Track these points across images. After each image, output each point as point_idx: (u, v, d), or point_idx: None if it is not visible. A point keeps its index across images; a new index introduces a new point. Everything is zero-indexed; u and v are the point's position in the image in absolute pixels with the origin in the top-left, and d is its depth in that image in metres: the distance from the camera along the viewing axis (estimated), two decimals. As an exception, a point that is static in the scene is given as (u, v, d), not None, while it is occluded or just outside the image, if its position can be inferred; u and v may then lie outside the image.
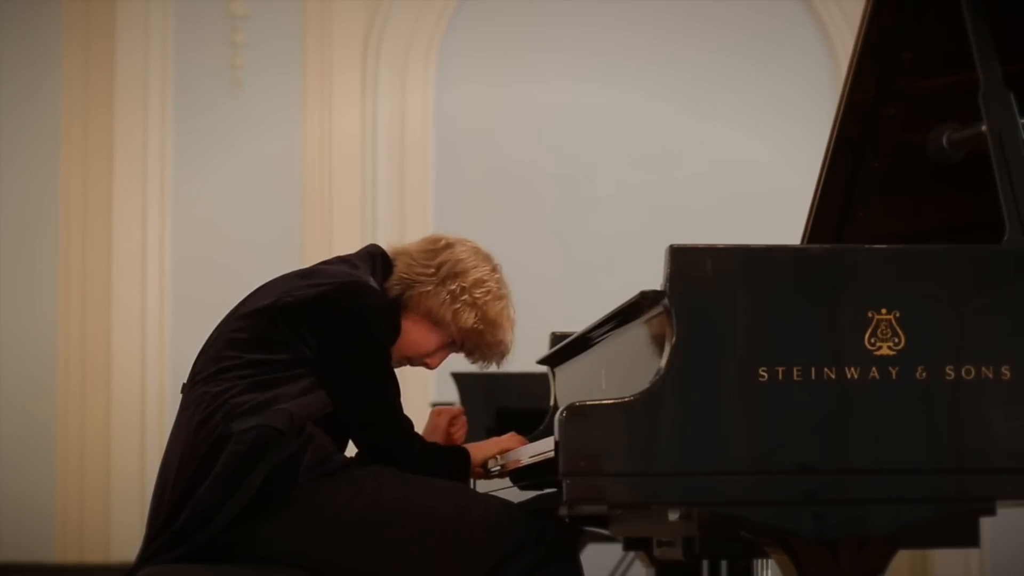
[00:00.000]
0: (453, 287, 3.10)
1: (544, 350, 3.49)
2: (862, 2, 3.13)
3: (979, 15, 2.84)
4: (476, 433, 4.78)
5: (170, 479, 2.94)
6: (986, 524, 2.67)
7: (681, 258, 2.59)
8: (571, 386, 3.36)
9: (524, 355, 4.39)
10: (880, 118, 3.14)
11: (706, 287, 2.58)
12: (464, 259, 3.14)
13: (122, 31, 7.21)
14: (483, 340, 3.15)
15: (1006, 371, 2.60)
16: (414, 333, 3.12)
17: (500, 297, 3.15)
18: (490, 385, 5.37)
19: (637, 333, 2.80)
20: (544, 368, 3.58)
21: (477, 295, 3.11)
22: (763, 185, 7.33)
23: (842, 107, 3.14)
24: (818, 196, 3.20)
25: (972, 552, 6.75)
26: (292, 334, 2.94)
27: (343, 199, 7.25)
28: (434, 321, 3.11)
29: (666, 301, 2.58)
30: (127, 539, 6.88)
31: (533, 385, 4.33)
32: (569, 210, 7.34)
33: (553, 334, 3.48)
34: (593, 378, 3.11)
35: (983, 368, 2.60)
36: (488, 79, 7.40)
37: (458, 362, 6.46)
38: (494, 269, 3.18)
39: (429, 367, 3.21)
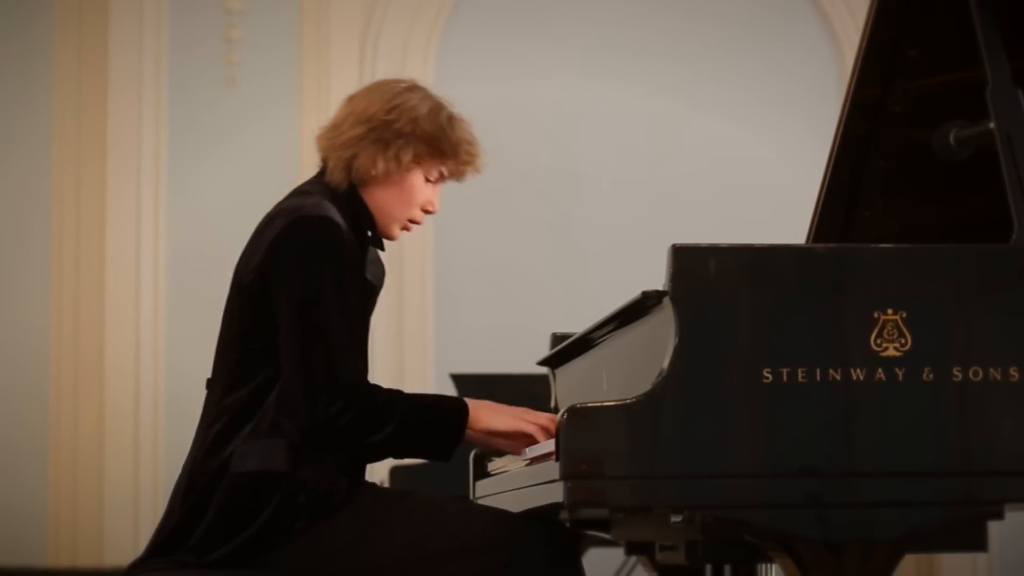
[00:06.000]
0: (374, 137, 2.95)
1: (544, 351, 3.47)
2: (867, -2, 3.11)
3: (986, 10, 2.82)
4: (474, 434, 4.74)
5: (178, 496, 2.90)
6: (994, 528, 2.66)
7: (684, 258, 2.56)
8: (572, 387, 3.34)
9: (524, 356, 4.37)
10: (886, 115, 3.13)
11: (709, 287, 2.56)
12: (361, 110, 2.97)
13: (116, 26, 7.18)
14: (443, 157, 3.00)
15: (1014, 372, 2.58)
16: (387, 198, 2.98)
17: (426, 107, 2.97)
18: (490, 387, 5.33)
19: (639, 334, 2.77)
20: (544, 369, 3.56)
21: (402, 128, 2.95)
22: (767, 183, 7.31)
23: (848, 104, 3.12)
24: (823, 194, 3.18)
25: (980, 556, 6.73)
26: (260, 314, 2.87)
27: (340, 197, 7.21)
28: (389, 178, 2.97)
29: (668, 301, 2.55)
30: (120, 543, 6.84)
31: (533, 386, 4.30)
32: (570, 207, 7.32)
33: (554, 335, 3.45)
34: (594, 379, 3.08)
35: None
36: (487, 75, 7.37)
37: (458, 363, 6.46)
38: (404, 91, 3.00)
39: (431, 213, 3.06)
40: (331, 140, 3.00)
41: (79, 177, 7.17)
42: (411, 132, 2.97)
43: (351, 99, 3.03)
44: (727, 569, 3.30)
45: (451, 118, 3.03)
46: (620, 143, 7.38)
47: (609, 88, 7.40)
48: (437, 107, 3.02)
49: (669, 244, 2.57)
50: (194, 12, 7.26)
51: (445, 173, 3.04)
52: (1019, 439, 2.57)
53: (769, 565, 3.18)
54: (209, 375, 2.99)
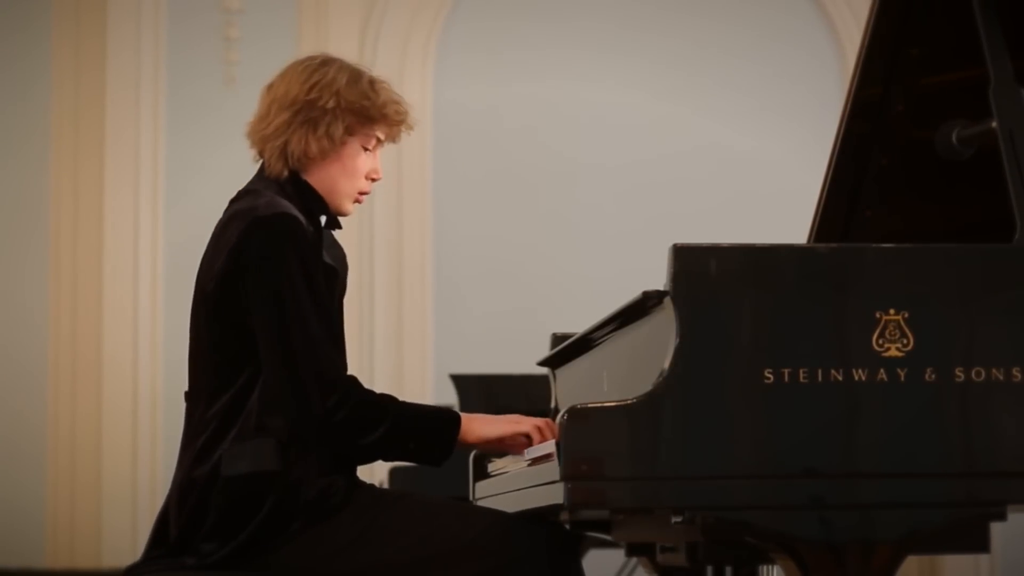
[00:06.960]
0: (301, 119, 2.93)
1: (545, 351, 3.46)
2: (869, -3, 3.10)
3: (989, 9, 2.81)
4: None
5: (172, 504, 2.88)
6: (996, 529, 2.65)
7: (685, 257, 2.55)
8: (572, 388, 3.33)
9: (524, 356, 4.36)
10: (888, 115, 3.11)
11: (710, 287, 2.55)
12: (282, 95, 2.95)
13: (114, 26, 7.16)
14: (373, 123, 2.97)
15: (1017, 373, 2.57)
16: (330, 176, 2.96)
17: (345, 77, 2.96)
18: (489, 387, 5.33)
19: (639, 334, 2.76)
20: (545, 370, 3.54)
21: (326, 104, 2.93)
22: (768, 183, 7.29)
23: (849, 104, 3.11)
24: (825, 194, 3.17)
25: (982, 557, 6.72)
26: (228, 320, 2.85)
27: (339, 196, 7.20)
28: (326, 156, 2.95)
29: (669, 301, 2.53)
30: (119, 544, 6.82)
31: (533, 387, 4.30)
32: (571, 206, 7.31)
33: (554, 335, 3.44)
34: (595, 380, 3.07)
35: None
36: (487, 74, 7.36)
37: (458, 363, 6.44)
38: (319, 67, 2.97)
39: (376, 180, 3.05)
40: (261, 132, 2.98)
41: (77, 176, 7.15)
42: (336, 106, 2.94)
43: (269, 87, 3.00)
44: (728, 570, 3.30)
45: (372, 82, 3.00)
46: (621, 144, 7.36)
47: (610, 89, 7.38)
48: (356, 75, 2.99)
49: (670, 244, 2.56)
50: (192, 11, 7.25)
51: (381, 138, 3.02)
52: (1021, 440, 2.56)
53: (770, 566, 3.17)
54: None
